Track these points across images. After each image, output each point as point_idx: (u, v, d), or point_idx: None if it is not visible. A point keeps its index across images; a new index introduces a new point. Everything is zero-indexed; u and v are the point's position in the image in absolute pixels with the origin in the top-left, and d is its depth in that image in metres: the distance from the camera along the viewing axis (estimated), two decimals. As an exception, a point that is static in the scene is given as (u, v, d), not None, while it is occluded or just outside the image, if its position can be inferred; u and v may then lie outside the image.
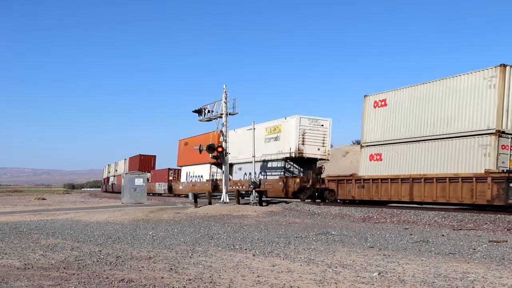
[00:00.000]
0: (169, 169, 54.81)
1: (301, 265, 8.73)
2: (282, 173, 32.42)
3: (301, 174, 31.93)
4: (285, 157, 31.91)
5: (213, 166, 40.76)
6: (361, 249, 10.86)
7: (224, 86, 29.22)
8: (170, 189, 52.19)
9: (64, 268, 8.50)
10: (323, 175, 28.89)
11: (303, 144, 31.22)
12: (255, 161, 32.21)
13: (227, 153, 29.01)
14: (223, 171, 32.18)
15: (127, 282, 7.25)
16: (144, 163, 64.41)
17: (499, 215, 16.91)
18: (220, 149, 28.52)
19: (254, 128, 32.83)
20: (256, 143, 32.11)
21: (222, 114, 29.18)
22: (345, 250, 10.69)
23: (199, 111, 31.34)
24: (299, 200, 29.10)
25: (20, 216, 22.24)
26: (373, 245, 11.43)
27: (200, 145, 31.40)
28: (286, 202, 28.65)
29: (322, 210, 23.28)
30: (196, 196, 28.64)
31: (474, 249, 10.64)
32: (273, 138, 33.64)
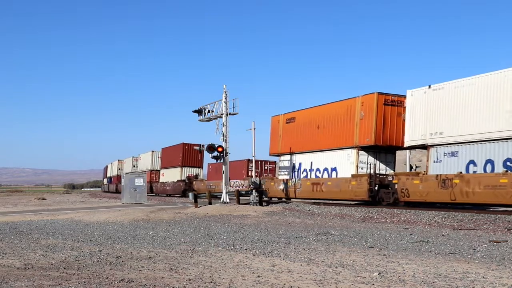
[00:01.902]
0: (249, 160, 38.20)
1: (301, 265, 8.73)
2: None
3: None
4: None
5: (361, 151, 24.70)
6: (361, 249, 10.86)
7: (224, 86, 29.29)
8: None
9: (64, 268, 8.51)
10: None
11: None
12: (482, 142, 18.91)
13: (227, 153, 29.03)
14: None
15: (127, 282, 7.25)
16: (188, 154, 48.76)
17: (499, 215, 16.92)
18: (220, 149, 28.54)
19: (254, 128, 32.79)
20: (498, 106, 18.49)
21: (222, 114, 29.21)
22: (345, 250, 10.69)
23: (199, 111, 31.37)
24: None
25: (20, 216, 22.24)
26: (373, 245, 11.43)
27: (200, 145, 31.35)
28: (286, 202, 28.65)
29: (322, 210, 23.27)
30: (196, 196, 28.65)
31: (474, 249, 10.64)
32: None
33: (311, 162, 28.07)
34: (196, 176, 48.21)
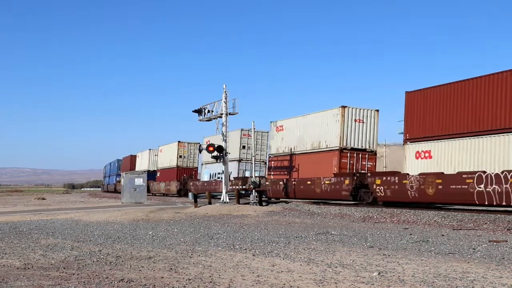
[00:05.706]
0: None
1: (301, 265, 8.73)
2: None
3: None
4: None
5: None
6: (361, 249, 10.87)
7: (224, 86, 29.28)
8: None
9: (64, 268, 8.51)
10: None
11: None
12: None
13: (227, 153, 29.04)
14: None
15: (127, 282, 7.26)
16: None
17: (499, 215, 16.93)
18: (220, 149, 28.53)
19: (254, 128, 32.73)
20: None
21: (222, 114, 29.22)
22: (345, 250, 10.69)
23: (199, 111, 31.37)
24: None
25: (20, 216, 22.24)
26: (373, 245, 11.43)
27: (200, 145, 31.31)
28: (286, 202, 28.66)
29: (322, 210, 23.28)
30: (196, 196, 28.66)
31: (474, 249, 10.65)
32: None
33: None
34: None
